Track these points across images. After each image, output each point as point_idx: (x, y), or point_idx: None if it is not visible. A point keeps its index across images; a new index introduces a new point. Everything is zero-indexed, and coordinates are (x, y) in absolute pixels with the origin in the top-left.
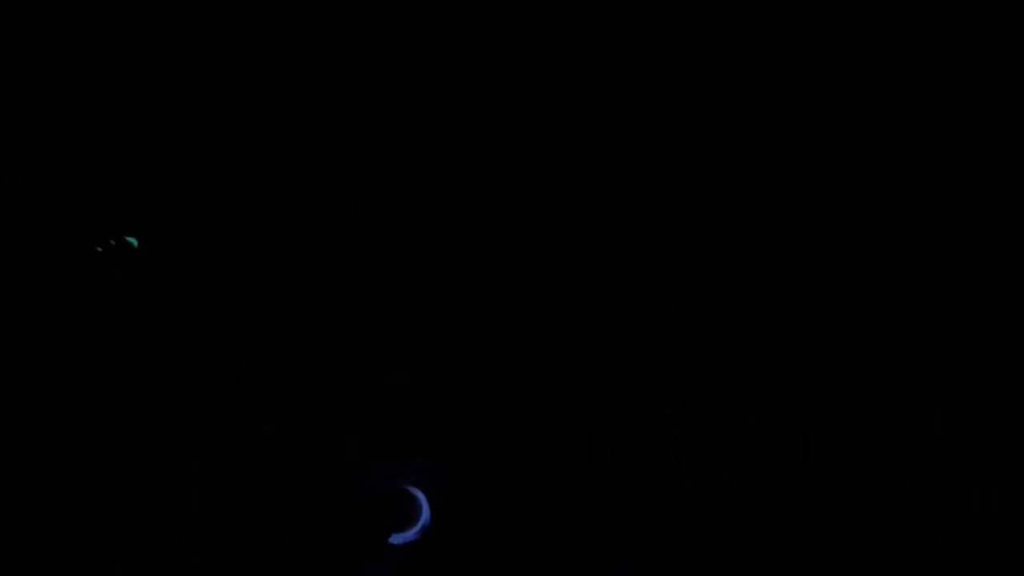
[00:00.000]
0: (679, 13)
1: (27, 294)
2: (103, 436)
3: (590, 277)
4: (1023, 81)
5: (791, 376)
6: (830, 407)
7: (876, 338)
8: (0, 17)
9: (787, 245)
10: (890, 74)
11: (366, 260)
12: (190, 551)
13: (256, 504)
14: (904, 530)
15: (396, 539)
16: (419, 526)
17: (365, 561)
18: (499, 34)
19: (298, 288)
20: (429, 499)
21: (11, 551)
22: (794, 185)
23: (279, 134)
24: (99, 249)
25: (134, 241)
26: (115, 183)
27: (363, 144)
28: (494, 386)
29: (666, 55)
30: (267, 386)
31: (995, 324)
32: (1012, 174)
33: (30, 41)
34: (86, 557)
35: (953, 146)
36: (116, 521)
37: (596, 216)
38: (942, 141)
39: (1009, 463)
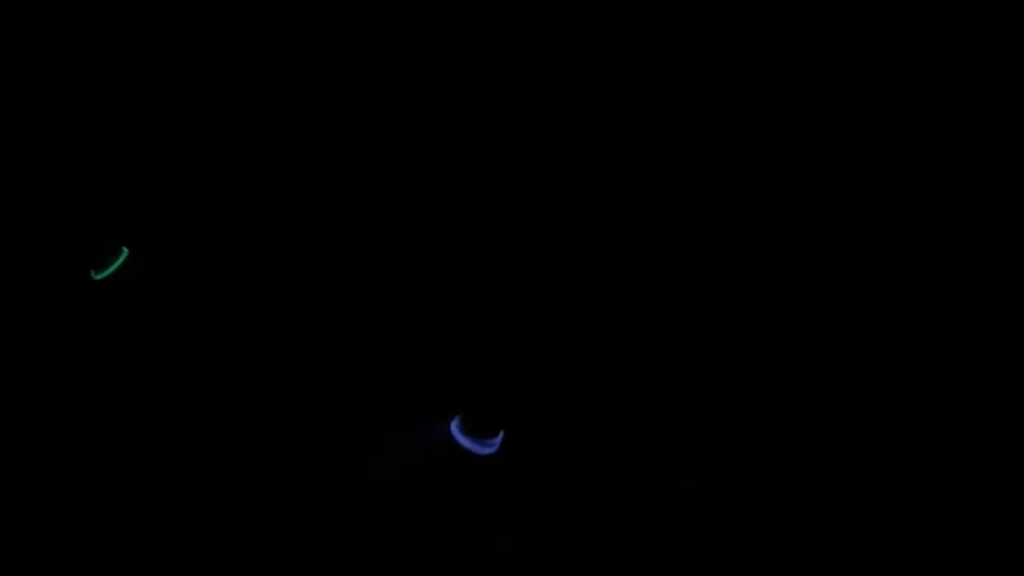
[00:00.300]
0: (679, 13)
1: (26, 294)
2: (102, 437)
3: (590, 277)
4: (1023, 81)
5: (792, 376)
6: (830, 407)
7: (876, 338)
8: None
9: (787, 245)
10: (890, 75)
11: (365, 260)
12: (189, 553)
13: (256, 505)
14: (904, 530)
15: (476, 447)
16: (498, 440)
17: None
18: (499, 34)
19: (297, 287)
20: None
21: (12, 550)
22: (794, 186)
23: (279, 135)
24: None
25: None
26: (114, 184)
27: (363, 144)
28: (494, 386)
29: (666, 55)
30: (265, 387)
31: (995, 324)
32: (1013, 174)
33: (29, 40)
34: (88, 557)
35: (953, 146)
36: (117, 522)
37: (597, 217)
38: (942, 141)
39: (1009, 463)
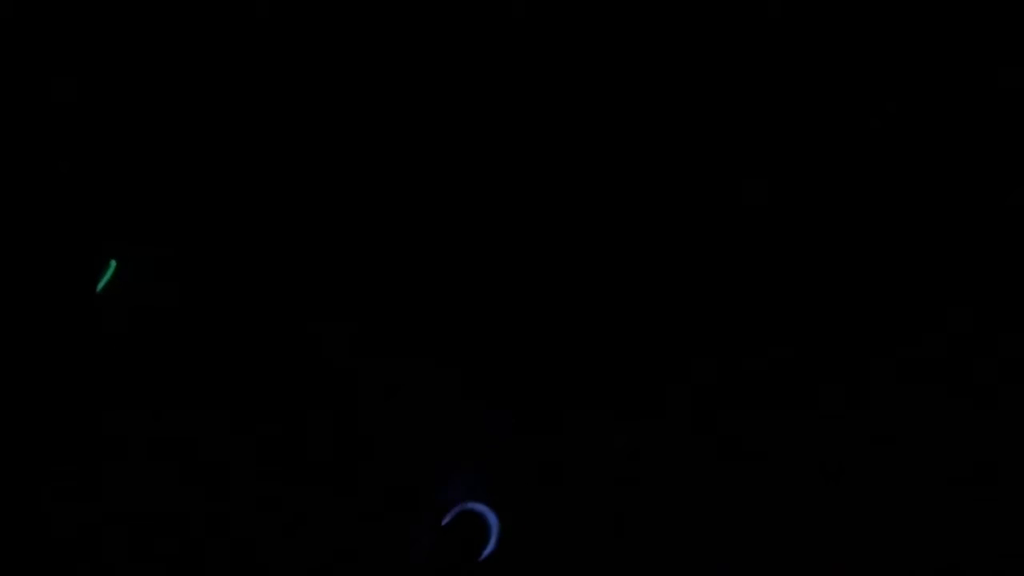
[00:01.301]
0: (679, 13)
1: (28, 296)
2: (102, 437)
3: (590, 277)
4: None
5: (792, 377)
6: (831, 407)
7: (876, 338)
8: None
9: (788, 245)
10: (891, 76)
11: (364, 261)
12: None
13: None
14: (905, 531)
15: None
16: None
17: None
18: (499, 34)
19: (299, 293)
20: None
21: (12, 550)
22: (794, 186)
23: (279, 135)
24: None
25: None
26: (113, 185)
27: (363, 145)
28: (494, 385)
29: (666, 55)
30: (263, 394)
31: (995, 324)
32: (1014, 174)
33: (29, 40)
34: (88, 557)
35: (954, 147)
36: (116, 522)
37: (597, 217)
38: (942, 142)
39: (1009, 465)
